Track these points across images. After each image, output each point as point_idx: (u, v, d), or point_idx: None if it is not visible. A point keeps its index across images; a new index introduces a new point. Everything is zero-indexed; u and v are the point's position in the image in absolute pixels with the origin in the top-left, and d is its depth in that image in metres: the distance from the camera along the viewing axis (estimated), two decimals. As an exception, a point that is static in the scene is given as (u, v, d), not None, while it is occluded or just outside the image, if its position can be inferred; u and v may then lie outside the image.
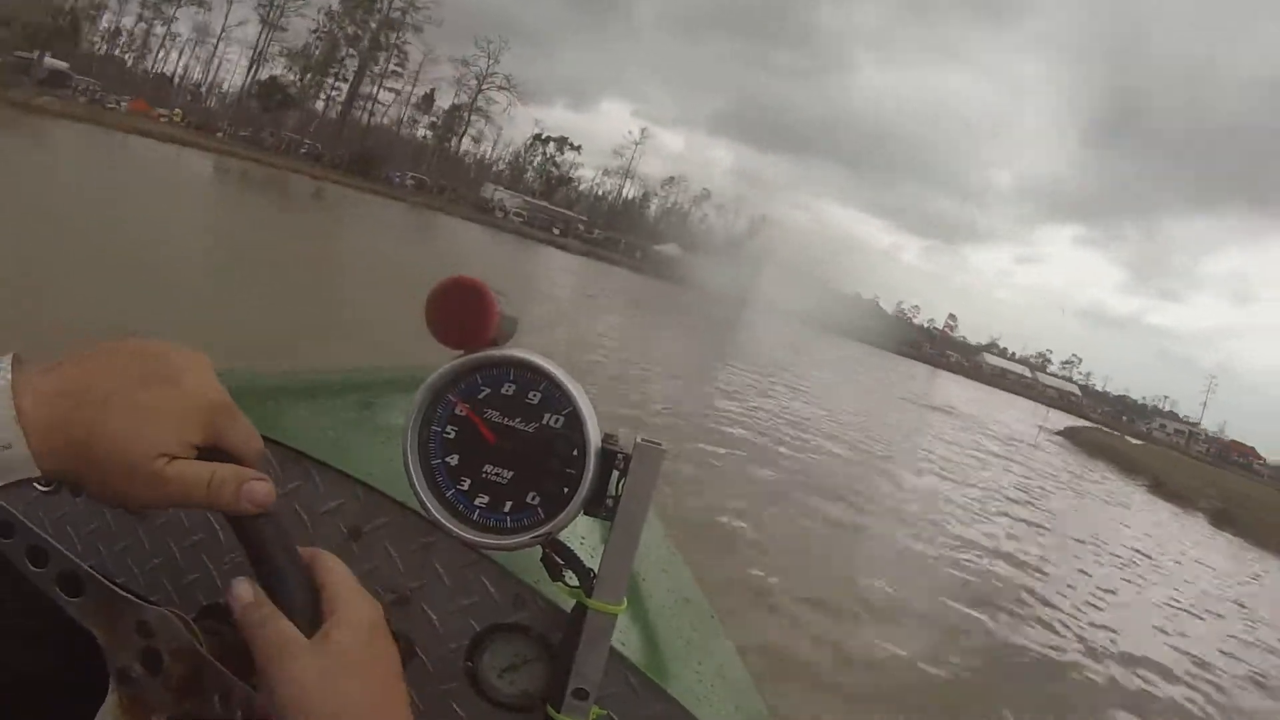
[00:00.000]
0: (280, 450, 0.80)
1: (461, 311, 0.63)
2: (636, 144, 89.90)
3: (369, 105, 71.55)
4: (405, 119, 74.65)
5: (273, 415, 1.01)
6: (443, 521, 0.65)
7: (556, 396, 0.65)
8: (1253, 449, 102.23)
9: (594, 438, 0.64)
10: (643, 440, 0.65)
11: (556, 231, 67.66)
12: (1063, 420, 59.56)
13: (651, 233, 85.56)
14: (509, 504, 0.65)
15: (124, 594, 0.53)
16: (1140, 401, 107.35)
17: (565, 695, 0.68)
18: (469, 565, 0.76)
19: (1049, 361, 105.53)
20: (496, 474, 0.65)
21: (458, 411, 0.65)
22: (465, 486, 0.65)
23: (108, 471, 0.49)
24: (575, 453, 0.64)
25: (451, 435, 0.65)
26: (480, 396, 0.65)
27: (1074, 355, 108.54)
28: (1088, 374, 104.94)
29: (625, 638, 0.81)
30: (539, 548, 0.67)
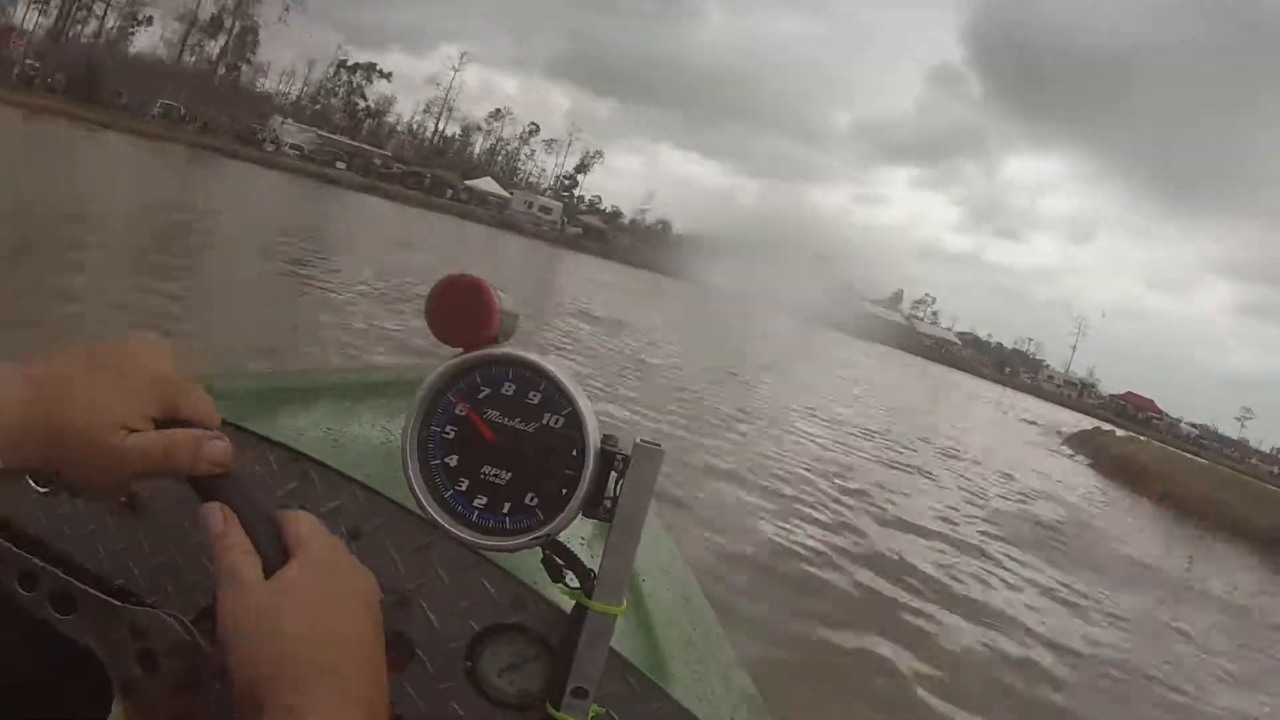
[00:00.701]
0: (280, 450, 0.80)
1: (461, 310, 0.63)
2: (455, 69, 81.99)
3: (104, 17, 59.16)
4: (179, 41, 62.92)
5: (272, 415, 1.01)
6: (441, 523, 0.65)
7: (556, 397, 0.65)
8: (1151, 401, 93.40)
9: (593, 439, 0.64)
10: (641, 441, 0.65)
11: (342, 166, 56.80)
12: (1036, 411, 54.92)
13: (470, 170, 74.46)
14: (508, 505, 0.65)
15: (115, 602, 0.53)
16: (1016, 349, 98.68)
17: (565, 694, 0.68)
18: (468, 566, 0.76)
19: (900, 300, 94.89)
20: (495, 475, 0.65)
21: (457, 411, 0.65)
22: (464, 487, 0.65)
23: (72, 454, 0.51)
24: (574, 453, 0.64)
25: (451, 435, 0.65)
26: (480, 396, 0.65)
27: (926, 294, 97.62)
28: (935, 313, 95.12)
29: (625, 637, 0.81)
30: (539, 548, 0.67)
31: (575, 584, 0.68)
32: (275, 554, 0.52)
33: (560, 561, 0.68)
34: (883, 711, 4.42)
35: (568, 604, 0.70)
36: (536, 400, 0.65)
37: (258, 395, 1.16)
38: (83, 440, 0.51)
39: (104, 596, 0.53)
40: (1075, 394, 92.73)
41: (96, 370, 0.53)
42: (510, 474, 0.65)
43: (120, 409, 0.53)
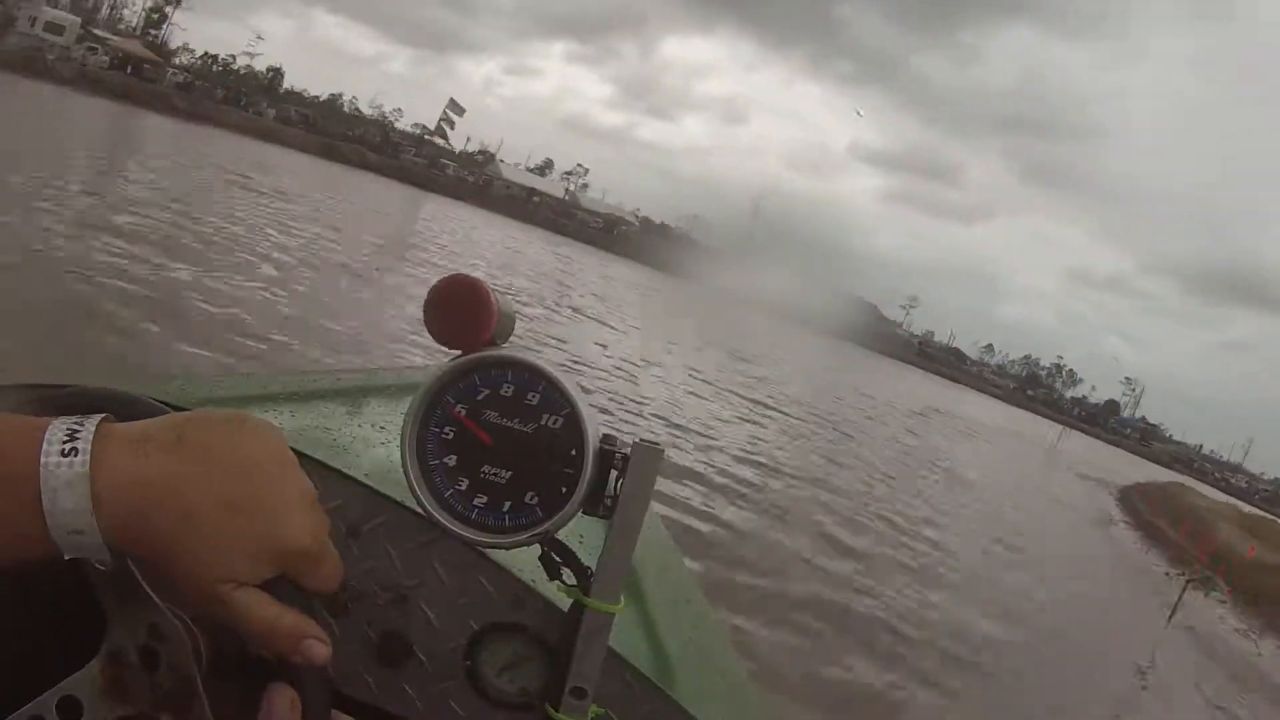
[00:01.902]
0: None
1: (460, 311, 0.63)
2: None
3: None
4: None
5: (272, 415, 1.02)
6: (442, 521, 0.65)
7: (555, 397, 0.65)
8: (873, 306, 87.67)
9: (592, 438, 0.64)
10: (641, 440, 0.65)
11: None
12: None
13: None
14: (507, 503, 0.65)
15: (147, 589, 0.53)
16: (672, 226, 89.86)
17: (563, 694, 0.68)
18: (468, 564, 0.76)
19: (549, 170, 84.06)
20: (495, 474, 0.65)
21: (456, 413, 0.66)
22: (464, 486, 0.65)
23: (172, 576, 0.48)
24: (574, 453, 0.64)
25: (450, 436, 0.66)
26: (479, 398, 0.65)
27: (578, 165, 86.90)
28: (585, 185, 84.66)
29: (624, 637, 0.81)
30: (538, 547, 0.68)
31: (573, 582, 0.68)
32: None
33: (559, 560, 0.68)
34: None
35: (566, 603, 0.70)
36: (535, 401, 0.65)
37: (257, 395, 1.16)
38: (189, 576, 0.47)
39: (142, 582, 0.53)
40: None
41: (233, 515, 0.48)
42: (510, 473, 0.65)
43: (239, 566, 0.48)
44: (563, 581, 0.69)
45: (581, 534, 0.80)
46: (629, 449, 0.65)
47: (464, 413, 0.65)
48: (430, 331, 0.64)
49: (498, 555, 0.75)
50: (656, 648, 0.97)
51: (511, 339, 0.68)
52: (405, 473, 0.65)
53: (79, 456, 0.45)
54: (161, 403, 0.65)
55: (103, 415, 0.48)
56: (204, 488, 0.47)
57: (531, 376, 0.65)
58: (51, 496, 0.44)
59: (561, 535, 0.67)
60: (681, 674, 0.93)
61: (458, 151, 77.44)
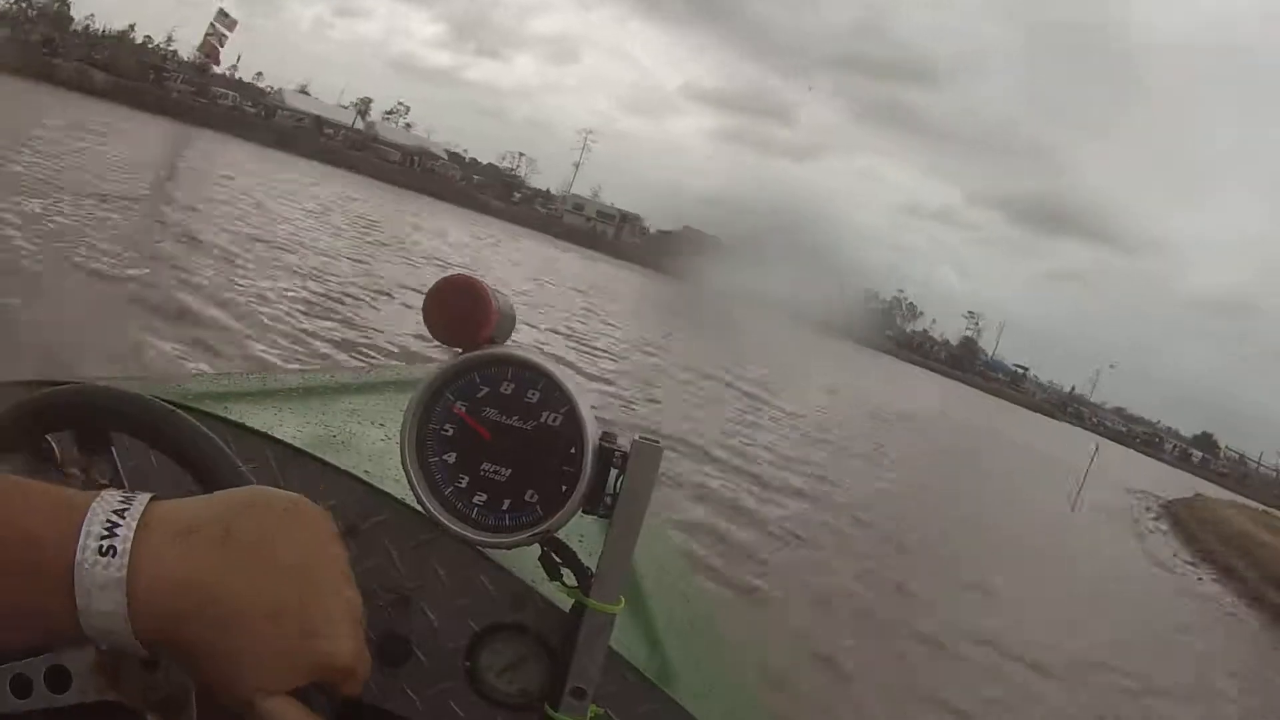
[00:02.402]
0: (280, 449, 0.80)
1: (459, 310, 0.63)
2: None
3: None
4: None
5: (272, 414, 1.01)
6: (441, 519, 0.65)
7: (554, 395, 0.65)
8: (636, 216, 70.63)
9: (592, 436, 0.64)
10: (641, 438, 0.65)
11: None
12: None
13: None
14: (507, 502, 0.65)
15: None
16: (499, 165, 78.25)
17: (563, 694, 0.68)
18: (468, 564, 0.76)
19: (368, 109, 72.55)
20: (495, 472, 0.65)
21: (456, 410, 0.66)
22: (463, 484, 0.65)
23: (204, 677, 0.46)
24: (573, 451, 0.64)
25: (450, 433, 0.65)
26: (479, 395, 0.65)
27: (399, 103, 76.11)
28: (409, 124, 74.33)
29: (624, 636, 0.81)
30: (538, 547, 0.67)
31: (573, 582, 0.68)
32: None
33: (558, 559, 0.68)
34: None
35: (567, 603, 0.70)
36: (535, 399, 0.65)
37: (258, 393, 1.16)
38: (221, 682, 0.45)
39: None
40: (580, 218, 71.23)
41: (277, 627, 0.45)
42: (510, 471, 0.65)
43: (275, 678, 0.46)
44: (563, 582, 0.69)
45: (581, 533, 0.80)
46: (629, 447, 0.65)
47: (464, 410, 0.65)
48: (430, 330, 0.63)
49: (498, 555, 0.75)
50: (656, 648, 0.97)
51: (512, 338, 0.68)
52: (405, 469, 0.65)
53: (117, 559, 0.43)
54: (162, 401, 0.65)
55: (150, 498, 0.45)
56: (248, 594, 0.45)
57: (531, 374, 0.65)
58: (86, 599, 0.42)
59: (561, 535, 0.66)
60: (681, 674, 0.92)
61: (230, 75, 63.21)
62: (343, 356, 7.74)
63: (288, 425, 0.96)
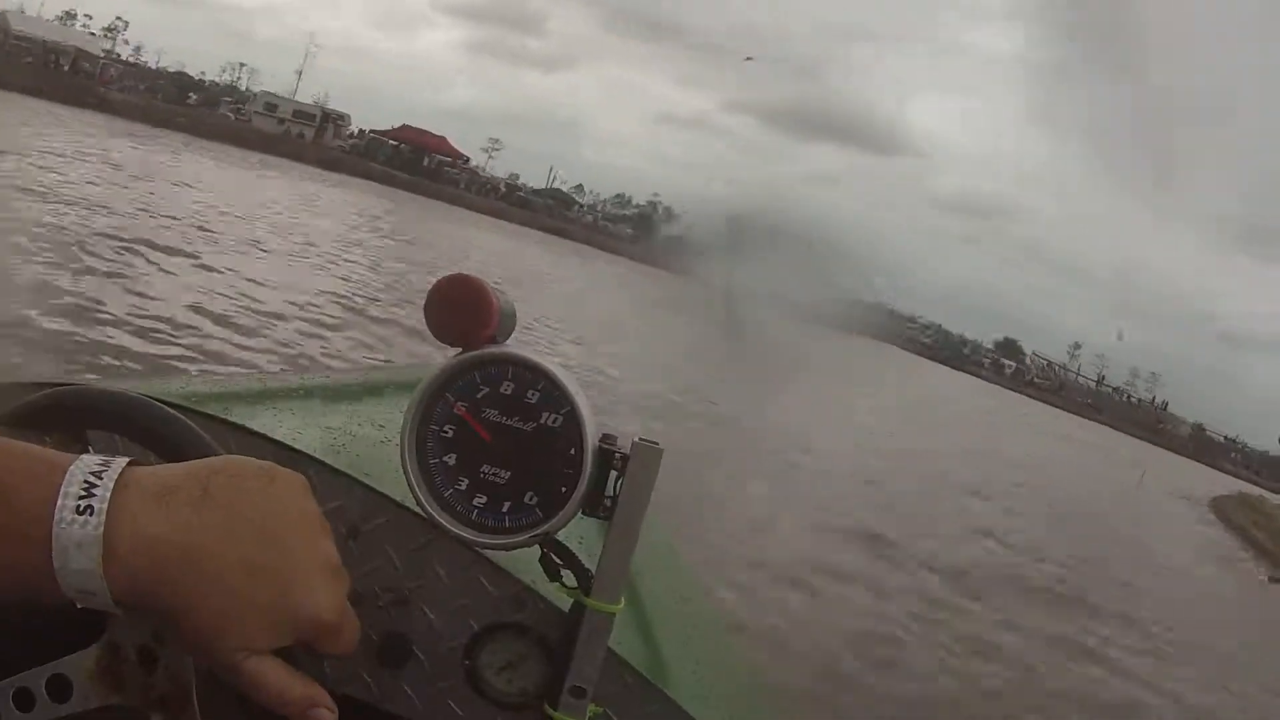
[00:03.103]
0: (280, 450, 0.80)
1: (460, 309, 0.63)
2: None
3: None
4: None
5: (272, 415, 1.01)
6: (440, 520, 0.65)
7: (555, 396, 0.65)
8: (443, 140, 64.50)
9: (592, 437, 0.64)
10: (641, 440, 0.65)
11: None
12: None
13: None
14: (507, 504, 0.65)
15: None
16: (204, 80, 64.31)
17: (563, 693, 0.68)
18: (467, 565, 0.76)
19: (71, 20, 57.34)
20: (494, 474, 0.65)
21: (456, 411, 0.66)
22: (463, 486, 0.65)
23: (184, 637, 0.47)
24: (573, 452, 0.64)
25: (450, 435, 0.66)
26: (479, 396, 0.65)
27: (118, 19, 61.58)
28: (126, 40, 61.45)
29: (624, 637, 0.81)
30: (537, 547, 0.68)
31: (573, 583, 0.68)
32: None
33: (558, 560, 0.68)
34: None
35: (567, 603, 0.70)
36: (535, 399, 0.65)
37: (258, 395, 1.16)
38: (203, 642, 0.46)
39: None
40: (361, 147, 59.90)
41: (255, 583, 0.46)
42: (509, 473, 0.65)
43: (256, 636, 0.46)
44: (563, 583, 0.69)
45: (581, 533, 0.80)
46: (629, 448, 0.65)
47: (464, 410, 0.65)
48: (431, 329, 0.63)
49: (497, 555, 0.75)
50: (655, 648, 0.97)
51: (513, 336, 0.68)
52: (405, 472, 0.65)
53: (94, 517, 0.43)
54: (161, 402, 0.65)
55: (128, 461, 0.46)
56: (226, 549, 0.45)
57: (532, 375, 0.65)
58: (63, 557, 0.43)
59: (561, 535, 0.66)
60: (680, 674, 0.93)
61: None
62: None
63: (288, 427, 0.96)
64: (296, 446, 0.81)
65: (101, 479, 0.44)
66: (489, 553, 0.75)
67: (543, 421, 0.64)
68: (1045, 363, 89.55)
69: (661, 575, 1.34)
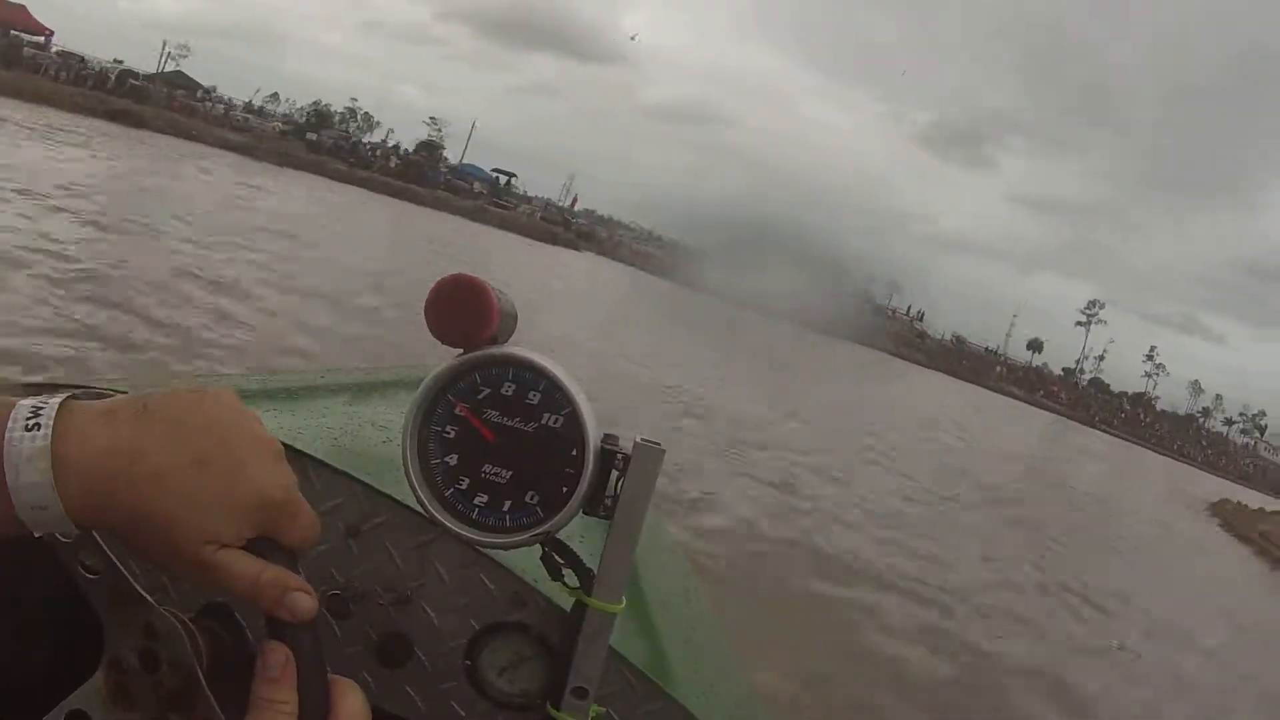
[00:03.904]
0: (292, 459, 0.80)
1: (461, 309, 0.63)
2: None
3: None
4: None
5: (272, 415, 1.01)
6: (441, 520, 0.65)
7: (556, 396, 0.65)
8: (21, 8, 43.61)
9: (593, 437, 0.64)
10: (642, 440, 0.65)
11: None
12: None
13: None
14: (508, 503, 0.65)
15: (141, 590, 0.53)
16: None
17: (564, 693, 0.68)
18: (468, 564, 0.76)
19: None
20: (495, 473, 0.65)
21: (457, 411, 0.66)
22: (464, 486, 0.65)
23: (149, 544, 0.48)
24: (574, 452, 0.64)
25: (451, 435, 0.65)
26: (480, 396, 0.65)
27: None
28: None
29: (625, 636, 0.81)
30: (539, 547, 0.67)
31: (575, 583, 0.68)
32: None
33: (560, 560, 0.68)
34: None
35: (568, 603, 0.70)
36: (536, 400, 0.65)
37: (258, 395, 1.16)
38: (166, 542, 0.48)
39: (134, 582, 0.53)
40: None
41: (203, 473, 0.48)
42: (511, 473, 0.65)
43: (216, 523, 0.48)
44: (564, 583, 0.69)
45: (583, 533, 0.80)
46: (630, 448, 0.65)
47: (466, 411, 0.65)
48: (432, 330, 0.63)
49: (498, 555, 0.75)
50: (657, 647, 0.97)
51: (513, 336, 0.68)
52: (406, 471, 0.65)
53: (42, 431, 0.46)
54: None
55: (68, 393, 0.48)
56: (171, 449, 0.48)
57: (533, 375, 0.65)
58: (14, 472, 0.45)
59: (562, 534, 0.66)
60: (682, 674, 0.92)
61: None
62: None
63: (288, 426, 0.96)
64: (297, 447, 0.81)
65: (48, 404, 0.47)
66: (490, 552, 0.75)
67: (544, 422, 0.64)
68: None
69: (663, 573, 1.34)
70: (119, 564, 0.53)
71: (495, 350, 0.65)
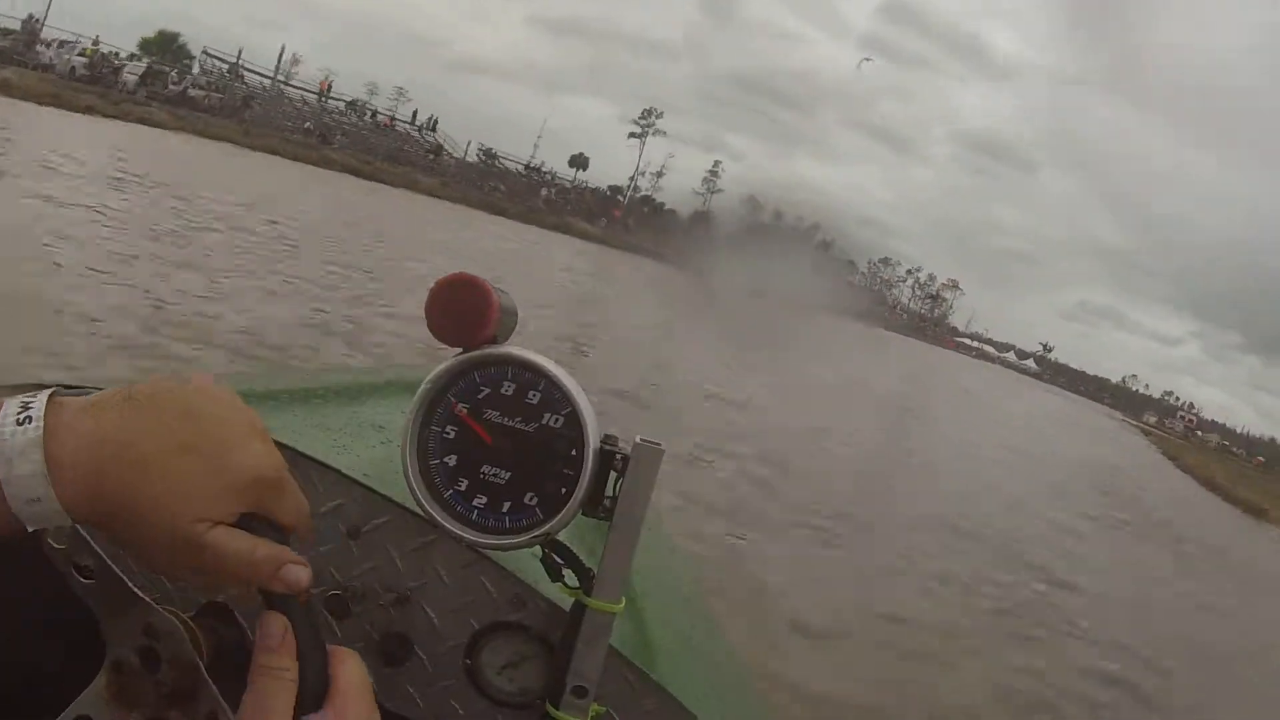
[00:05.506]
0: (279, 450, 0.80)
1: (461, 309, 0.63)
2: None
3: None
4: None
5: (272, 415, 1.01)
6: (441, 522, 0.65)
7: (556, 396, 0.65)
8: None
9: (593, 438, 0.64)
10: (641, 440, 0.65)
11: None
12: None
13: None
14: (507, 504, 0.65)
15: (137, 591, 0.53)
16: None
17: (564, 693, 0.68)
18: (468, 565, 0.76)
19: None
20: (495, 474, 0.65)
21: (457, 412, 0.65)
22: (463, 487, 0.65)
23: (142, 532, 0.48)
24: (574, 453, 0.64)
25: (450, 435, 0.65)
26: (480, 396, 0.65)
27: None
28: None
29: (624, 636, 0.81)
30: (539, 546, 0.68)
31: (574, 583, 0.68)
32: (313, 696, 0.51)
33: (559, 560, 0.68)
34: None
35: (567, 603, 0.70)
36: (536, 400, 0.65)
37: (258, 395, 1.16)
38: (159, 524, 0.48)
39: (129, 583, 0.53)
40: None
41: (189, 454, 0.49)
42: (510, 474, 0.65)
43: (206, 503, 0.49)
44: (564, 584, 0.69)
45: (582, 535, 0.80)
46: (630, 449, 0.65)
47: (465, 411, 0.65)
48: (431, 329, 0.63)
49: (498, 555, 0.75)
50: (657, 646, 0.97)
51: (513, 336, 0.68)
52: (405, 473, 0.65)
53: (33, 424, 0.46)
54: None
55: (55, 387, 0.49)
56: (157, 434, 0.49)
57: (532, 375, 0.65)
58: (7, 465, 0.45)
59: (562, 534, 0.66)
60: (682, 673, 0.93)
61: None
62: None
63: (288, 427, 0.96)
64: (297, 448, 0.81)
65: (35, 399, 0.48)
66: (490, 552, 0.75)
67: (544, 422, 0.64)
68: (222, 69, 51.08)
69: (662, 572, 1.34)
70: (112, 565, 0.54)
71: (495, 350, 0.65)
